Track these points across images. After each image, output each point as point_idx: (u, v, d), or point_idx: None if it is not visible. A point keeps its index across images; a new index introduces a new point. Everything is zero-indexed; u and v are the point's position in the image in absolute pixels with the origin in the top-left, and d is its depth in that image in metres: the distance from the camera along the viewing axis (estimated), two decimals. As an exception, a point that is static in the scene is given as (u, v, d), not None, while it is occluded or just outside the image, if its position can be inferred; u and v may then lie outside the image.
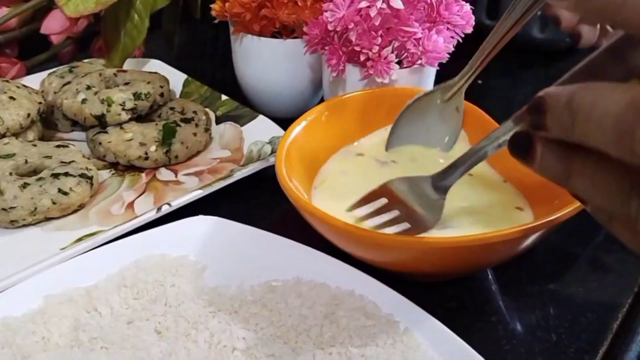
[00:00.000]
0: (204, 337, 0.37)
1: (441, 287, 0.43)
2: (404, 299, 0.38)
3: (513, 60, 0.77)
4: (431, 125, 0.48)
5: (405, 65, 0.52)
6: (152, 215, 0.46)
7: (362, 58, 0.50)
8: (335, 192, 0.46)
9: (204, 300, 0.39)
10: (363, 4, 0.48)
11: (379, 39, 0.49)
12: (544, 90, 0.23)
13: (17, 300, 0.38)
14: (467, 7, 0.52)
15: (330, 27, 0.50)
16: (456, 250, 0.36)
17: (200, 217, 0.44)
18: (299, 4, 0.55)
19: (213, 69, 0.75)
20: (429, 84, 0.54)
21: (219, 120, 0.59)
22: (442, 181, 0.39)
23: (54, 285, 0.39)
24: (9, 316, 0.37)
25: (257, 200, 0.52)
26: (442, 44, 0.51)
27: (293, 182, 0.42)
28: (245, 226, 0.43)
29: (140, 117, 0.56)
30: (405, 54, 0.51)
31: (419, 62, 0.51)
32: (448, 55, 0.52)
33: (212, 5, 0.58)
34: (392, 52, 0.50)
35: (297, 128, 0.47)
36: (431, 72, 0.54)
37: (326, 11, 0.50)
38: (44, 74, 0.62)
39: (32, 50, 0.67)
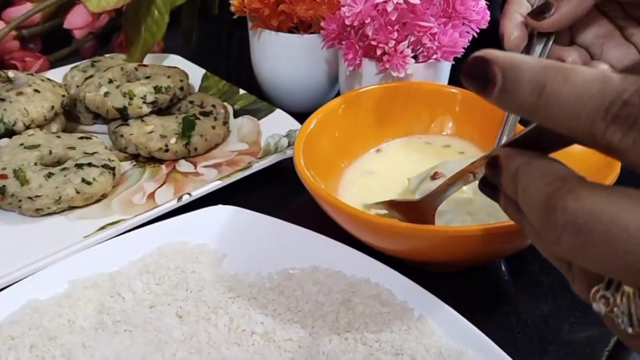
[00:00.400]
0: (224, 321, 0.38)
1: (455, 278, 0.44)
2: (419, 287, 0.39)
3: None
4: None
5: (420, 60, 0.52)
6: (173, 204, 0.47)
7: (379, 52, 0.51)
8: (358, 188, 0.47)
9: (223, 286, 0.40)
10: (379, -1, 0.49)
11: (395, 34, 0.50)
12: (501, 150, 0.25)
13: (44, 285, 0.39)
14: (483, 2, 0.53)
15: (347, 22, 0.51)
16: (471, 239, 0.37)
17: (220, 206, 0.45)
18: (317, -1, 0.56)
19: (230, 64, 0.76)
20: (444, 78, 0.55)
21: (236, 114, 0.60)
22: (429, 206, 0.40)
23: (79, 270, 0.40)
24: (36, 299, 0.38)
25: (275, 192, 0.53)
26: (458, 38, 0.51)
27: (310, 172, 0.43)
28: (263, 216, 0.44)
29: (160, 110, 0.57)
30: (421, 48, 0.52)
31: (435, 56, 0.52)
32: (463, 50, 0.52)
33: (231, 1, 0.60)
34: (408, 47, 0.51)
35: (315, 120, 0.48)
36: (446, 67, 0.55)
37: (343, 6, 0.51)
38: (66, 68, 0.64)
39: (54, 45, 0.69)
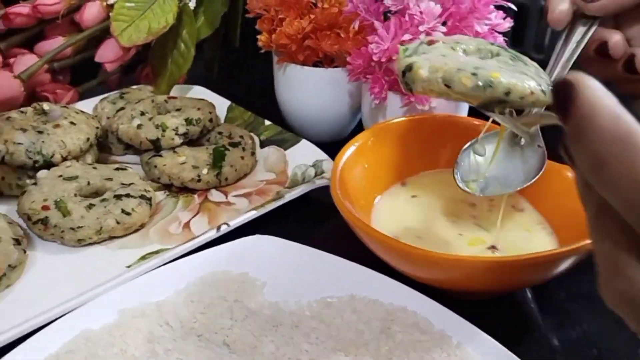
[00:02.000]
0: (270, 349, 0.39)
1: (483, 305, 0.46)
2: (455, 315, 0.41)
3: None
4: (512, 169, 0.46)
5: (444, 94, 0.55)
6: (213, 234, 0.49)
7: (404, 87, 0.53)
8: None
9: (265, 314, 0.42)
10: (406, 37, 0.51)
11: (421, 70, 0.52)
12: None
13: (94, 315, 0.41)
14: (500, 39, 0.55)
15: (375, 58, 0.53)
16: (504, 268, 0.39)
17: (258, 236, 0.47)
18: (342, 35, 0.59)
19: (251, 94, 0.78)
20: (464, 110, 0.58)
21: (263, 145, 0.62)
22: None
23: (127, 300, 0.42)
24: (88, 329, 0.40)
25: (303, 220, 0.55)
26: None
27: (346, 202, 0.45)
28: (299, 245, 0.46)
29: (190, 142, 0.59)
30: (445, 83, 0.54)
31: (458, 90, 0.54)
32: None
33: (259, 37, 0.62)
34: (433, 82, 0.53)
35: (347, 152, 0.50)
36: (467, 100, 0.57)
37: (371, 43, 0.53)
38: (95, 100, 0.65)
39: (81, 76, 0.71)
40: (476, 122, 0.54)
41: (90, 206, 0.50)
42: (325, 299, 0.43)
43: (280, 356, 0.39)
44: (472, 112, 0.58)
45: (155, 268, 0.45)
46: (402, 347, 0.39)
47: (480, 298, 0.47)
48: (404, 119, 0.54)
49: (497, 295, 0.47)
